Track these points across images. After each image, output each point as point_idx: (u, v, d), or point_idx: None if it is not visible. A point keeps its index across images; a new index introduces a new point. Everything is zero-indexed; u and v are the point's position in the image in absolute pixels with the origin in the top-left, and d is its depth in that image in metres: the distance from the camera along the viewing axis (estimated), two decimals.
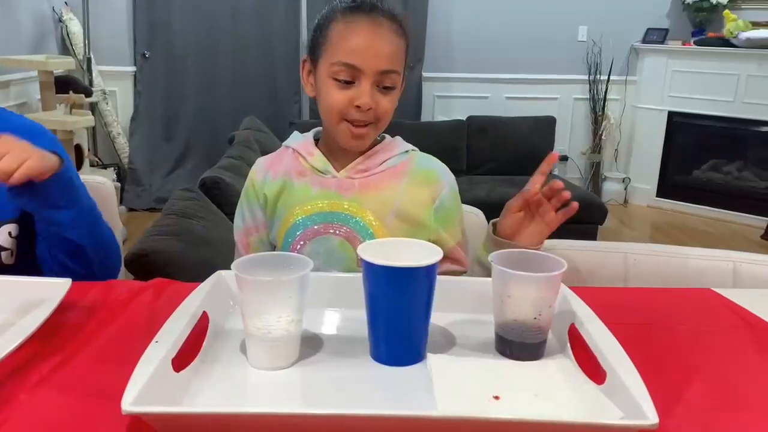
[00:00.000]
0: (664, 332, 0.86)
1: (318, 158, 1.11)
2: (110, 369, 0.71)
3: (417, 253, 0.74)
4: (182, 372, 0.67)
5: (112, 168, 4.25)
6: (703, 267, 1.14)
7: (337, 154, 1.11)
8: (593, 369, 0.71)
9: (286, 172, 1.12)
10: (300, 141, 1.15)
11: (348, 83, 1.02)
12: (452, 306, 0.84)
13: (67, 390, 0.67)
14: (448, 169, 1.16)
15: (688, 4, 4.48)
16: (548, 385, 0.69)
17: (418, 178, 1.11)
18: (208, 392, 0.67)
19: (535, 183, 1.01)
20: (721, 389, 0.72)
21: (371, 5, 1.03)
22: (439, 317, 0.81)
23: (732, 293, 0.99)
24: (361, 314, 0.77)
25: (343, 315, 0.85)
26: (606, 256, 1.17)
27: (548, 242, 1.19)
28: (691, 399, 0.69)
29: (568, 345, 0.77)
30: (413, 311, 0.73)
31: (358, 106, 1.01)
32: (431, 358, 0.73)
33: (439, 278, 0.74)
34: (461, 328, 0.82)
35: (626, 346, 0.70)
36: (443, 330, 0.82)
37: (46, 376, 0.69)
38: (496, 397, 0.66)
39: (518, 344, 0.74)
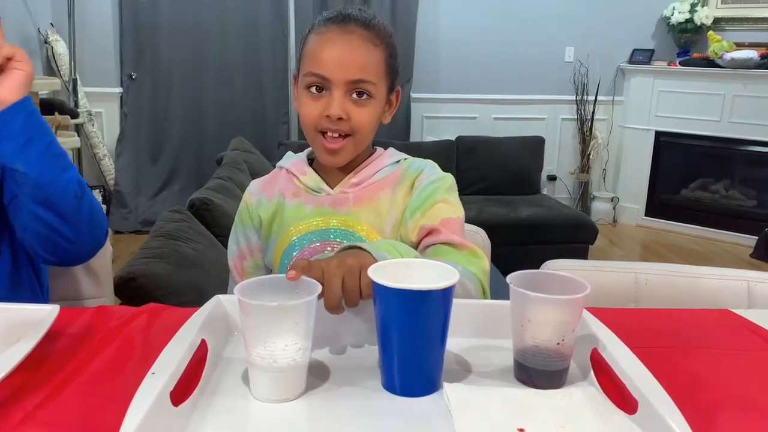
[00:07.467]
0: (686, 356, 0.82)
1: (310, 177, 1.08)
2: (102, 404, 0.66)
3: (432, 275, 0.70)
4: (181, 406, 0.62)
5: (98, 190, 4.18)
6: (716, 287, 1.11)
7: (330, 171, 1.09)
8: (621, 397, 0.66)
9: (280, 193, 1.10)
10: (293, 161, 1.12)
11: (320, 94, 1.00)
12: (467, 331, 0.80)
13: (54, 428, 0.61)
14: (437, 165, 1.10)
15: (673, 25, 4.54)
16: (575, 415, 0.65)
17: (408, 184, 1.08)
18: (209, 427, 0.62)
19: None
20: (753, 414, 0.68)
21: (345, 16, 1.01)
22: (453, 343, 0.76)
23: (750, 314, 0.95)
24: (371, 341, 0.72)
25: (352, 342, 0.80)
26: (616, 276, 1.14)
27: (555, 262, 1.16)
28: (726, 425, 0.65)
29: (592, 371, 0.72)
30: (428, 337, 0.68)
31: (328, 116, 0.99)
32: (448, 388, 0.69)
33: (455, 301, 0.69)
34: (477, 354, 0.78)
35: (650, 371, 0.66)
36: (458, 357, 0.77)
37: (31, 413, 0.63)
38: (521, 430, 0.62)
39: (539, 371, 0.70)
